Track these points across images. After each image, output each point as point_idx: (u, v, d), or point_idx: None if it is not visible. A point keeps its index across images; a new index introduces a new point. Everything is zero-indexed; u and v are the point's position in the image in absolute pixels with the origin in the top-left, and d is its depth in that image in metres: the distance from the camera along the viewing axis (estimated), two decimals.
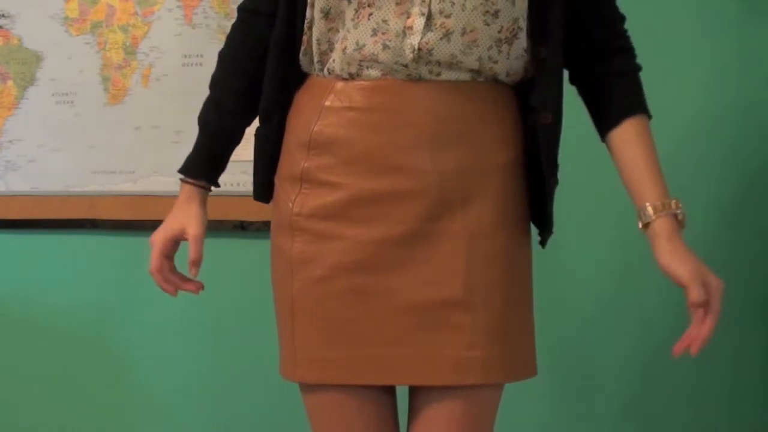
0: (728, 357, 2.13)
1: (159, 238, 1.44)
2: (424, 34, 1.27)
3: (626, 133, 1.37)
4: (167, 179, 2.28)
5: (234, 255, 2.27)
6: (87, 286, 2.32)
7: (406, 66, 1.29)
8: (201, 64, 2.27)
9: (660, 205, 1.33)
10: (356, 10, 1.30)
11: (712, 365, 2.13)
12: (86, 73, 2.31)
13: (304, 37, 1.37)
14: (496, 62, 1.31)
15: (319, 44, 1.35)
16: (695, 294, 1.30)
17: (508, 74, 1.34)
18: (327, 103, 1.33)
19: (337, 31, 1.33)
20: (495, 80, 1.34)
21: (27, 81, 2.34)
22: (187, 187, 1.49)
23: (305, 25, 1.36)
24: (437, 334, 1.30)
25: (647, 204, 1.34)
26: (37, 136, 2.33)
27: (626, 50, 1.42)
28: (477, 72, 1.31)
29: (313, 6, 1.34)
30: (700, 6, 2.12)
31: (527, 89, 1.37)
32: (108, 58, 2.31)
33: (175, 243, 1.46)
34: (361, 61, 1.30)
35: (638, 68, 1.42)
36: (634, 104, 1.39)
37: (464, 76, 1.31)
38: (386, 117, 1.30)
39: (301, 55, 1.38)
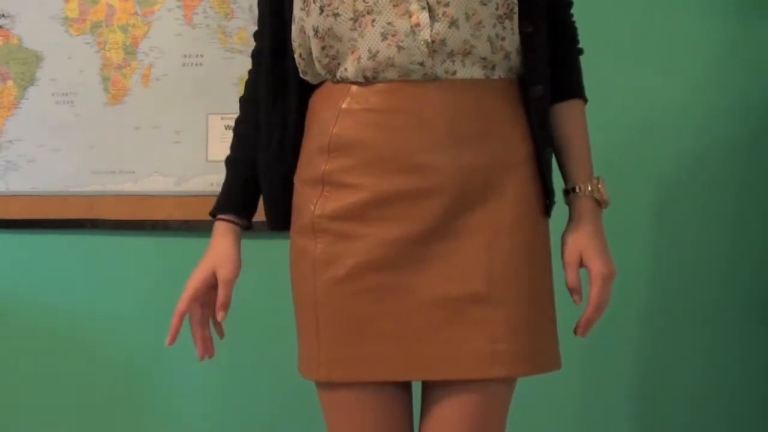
0: (730, 357, 2.13)
1: (191, 281, 1.44)
2: (431, 26, 1.29)
3: (556, 117, 1.44)
4: (167, 179, 2.28)
5: None
6: (87, 286, 2.32)
7: (422, 64, 1.30)
8: (201, 64, 2.27)
9: (577, 188, 1.41)
10: (354, 20, 1.31)
11: (715, 364, 2.13)
12: (86, 73, 2.32)
13: (299, 59, 1.40)
14: (503, 39, 1.34)
15: (319, 61, 1.36)
16: (568, 279, 1.39)
17: (517, 51, 1.36)
18: (344, 106, 1.34)
19: (331, 47, 1.34)
20: (509, 71, 1.36)
21: (27, 81, 2.34)
22: (219, 223, 1.48)
23: (295, 45, 1.39)
24: (461, 328, 1.31)
25: (567, 187, 1.43)
26: (37, 136, 2.33)
27: (567, 35, 1.48)
28: (491, 67, 1.33)
29: (300, 29, 1.37)
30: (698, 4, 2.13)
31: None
32: (108, 58, 2.31)
33: (208, 286, 1.44)
34: (375, 68, 1.32)
35: (578, 52, 1.49)
36: (567, 89, 1.45)
37: (478, 73, 1.33)
38: (403, 117, 1.32)
39: (301, 75, 1.41)
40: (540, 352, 1.35)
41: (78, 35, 2.32)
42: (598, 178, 1.41)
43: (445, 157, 1.31)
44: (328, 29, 1.33)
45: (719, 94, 2.12)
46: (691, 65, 2.13)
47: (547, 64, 1.40)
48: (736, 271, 2.13)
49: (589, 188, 1.40)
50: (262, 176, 1.45)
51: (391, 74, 1.32)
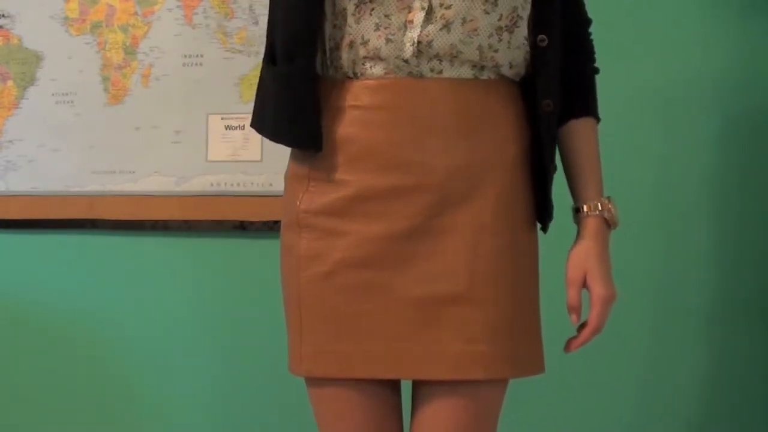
0: (732, 355, 2.13)
1: None
2: (424, 27, 1.29)
3: (570, 133, 1.43)
4: (167, 179, 2.28)
5: (234, 255, 2.27)
6: (87, 286, 2.32)
7: (407, 62, 1.30)
8: (201, 64, 2.27)
9: (587, 206, 1.39)
10: (357, 6, 1.31)
11: (717, 363, 2.13)
12: (86, 73, 2.32)
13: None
14: (496, 51, 1.32)
15: (332, 39, 1.36)
16: (568, 297, 1.37)
17: (511, 66, 1.35)
18: (332, 103, 1.34)
19: (341, 28, 1.34)
20: (499, 75, 1.35)
21: (27, 81, 2.35)
22: None
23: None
24: (441, 328, 1.30)
25: (577, 205, 1.41)
26: (37, 136, 2.33)
27: (584, 53, 1.46)
28: (480, 67, 1.33)
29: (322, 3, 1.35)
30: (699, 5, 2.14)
31: (526, 82, 1.38)
32: (108, 58, 2.31)
33: None
34: (365, 57, 1.32)
35: (594, 71, 1.46)
36: (582, 107, 1.43)
37: (466, 73, 1.32)
38: (390, 114, 1.31)
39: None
40: (521, 355, 1.34)
41: (78, 35, 2.33)
42: (608, 198, 1.39)
43: (430, 155, 1.30)
44: (343, 9, 1.33)
45: (719, 88, 2.12)
46: (688, 56, 2.13)
47: (560, 80, 1.38)
48: (738, 269, 2.13)
49: (599, 207, 1.38)
50: (280, 86, 1.35)
51: (378, 70, 1.32)
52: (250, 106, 2.09)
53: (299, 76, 1.33)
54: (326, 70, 1.37)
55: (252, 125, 1.43)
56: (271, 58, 1.39)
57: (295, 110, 1.34)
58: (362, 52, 1.31)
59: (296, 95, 1.34)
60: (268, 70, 1.39)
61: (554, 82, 1.37)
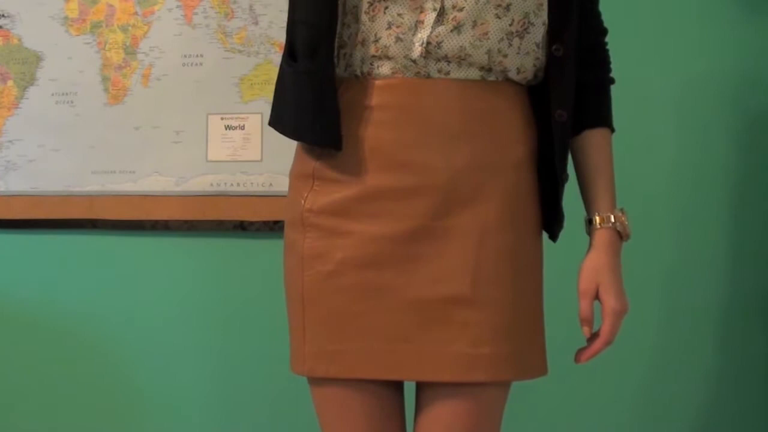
0: (733, 356, 2.13)
1: None
2: (434, 28, 1.29)
3: (585, 143, 1.42)
4: (167, 179, 2.28)
5: (234, 255, 2.27)
6: (87, 286, 2.32)
7: (414, 62, 1.30)
8: (201, 64, 2.27)
9: (600, 218, 1.39)
10: (370, 4, 1.31)
11: (718, 364, 2.13)
12: (86, 73, 2.32)
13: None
14: (505, 56, 1.32)
15: (340, 37, 1.35)
16: (581, 309, 1.36)
17: (518, 71, 1.34)
18: (340, 102, 1.34)
19: (350, 26, 1.34)
20: (506, 79, 1.35)
21: (27, 81, 2.34)
22: None
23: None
24: (444, 330, 1.30)
25: (590, 216, 1.40)
26: (37, 136, 2.33)
27: (600, 62, 1.45)
28: (487, 69, 1.32)
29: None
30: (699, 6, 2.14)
31: (539, 90, 1.38)
32: (108, 58, 2.31)
33: None
34: (373, 56, 1.32)
35: (610, 81, 1.46)
36: (597, 117, 1.43)
37: (473, 74, 1.32)
38: (396, 114, 1.31)
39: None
40: (523, 358, 1.34)
41: (78, 35, 2.32)
42: (621, 210, 1.39)
43: (434, 156, 1.30)
44: (354, 7, 1.32)
45: (726, 89, 2.12)
46: (694, 57, 2.13)
47: (574, 90, 1.38)
48: (738, 269, 2.13)
49: (612, 219, 1.38)
50: (303, 84, 1.35)
51: (386, 69, 1.32)
52: (251, 106, 2.08)
53: (320, 73, 1.33)
54: (336, 68, 1.37)
55: (270, 123, 1.43)
56: (291, 55, 1.38)
57: (316, 108, 1.34)
58: (372, 50, 1.31)
59: (317, 93, 1.33)
60: (288, 67, 1.39)
61: (568, 92, 1.37)
